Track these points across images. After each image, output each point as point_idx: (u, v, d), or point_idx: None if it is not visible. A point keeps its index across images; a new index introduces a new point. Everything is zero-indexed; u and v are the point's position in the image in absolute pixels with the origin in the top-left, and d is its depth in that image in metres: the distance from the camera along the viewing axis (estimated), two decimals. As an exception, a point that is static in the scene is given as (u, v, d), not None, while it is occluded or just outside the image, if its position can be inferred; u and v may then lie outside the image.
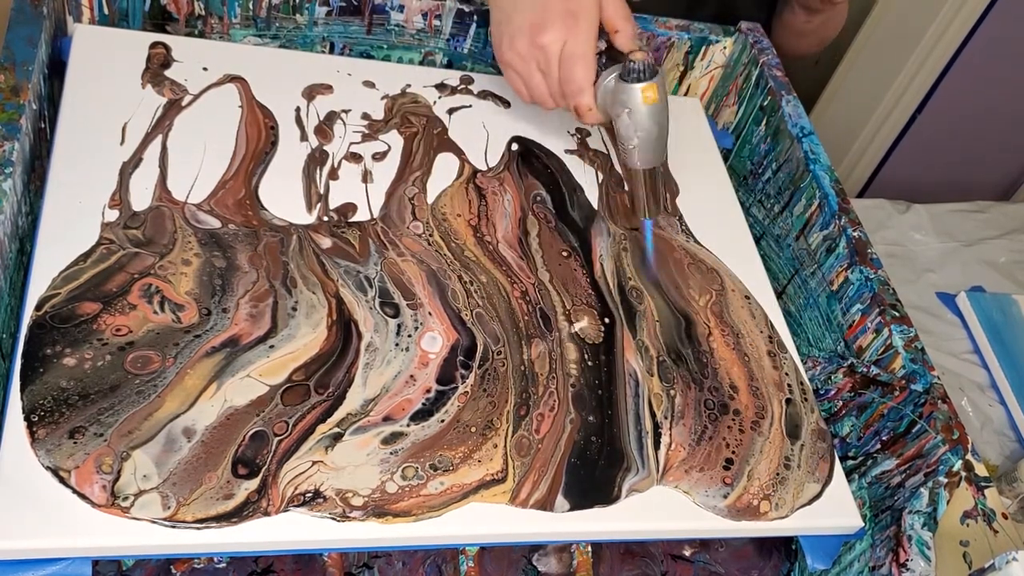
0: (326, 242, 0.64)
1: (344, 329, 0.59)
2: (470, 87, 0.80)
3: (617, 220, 0.74)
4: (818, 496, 0.61)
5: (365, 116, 0.74)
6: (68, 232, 0.58)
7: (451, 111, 0.78)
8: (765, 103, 0.84)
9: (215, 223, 0.62)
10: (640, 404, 0.62)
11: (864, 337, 0.69)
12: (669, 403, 0.62)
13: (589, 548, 0.62)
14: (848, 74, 1.55)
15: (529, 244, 0.69)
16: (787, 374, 0.68)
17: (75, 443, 0.49)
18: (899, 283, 0.83)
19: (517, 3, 0.67)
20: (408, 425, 0.56)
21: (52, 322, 0.53)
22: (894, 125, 1.56)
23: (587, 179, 0.77)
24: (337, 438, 0.54)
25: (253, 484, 0.50)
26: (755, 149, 0.85)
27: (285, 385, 0.55)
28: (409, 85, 0.78)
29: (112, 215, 0.60)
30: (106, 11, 0.73)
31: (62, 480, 0.47)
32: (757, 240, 0.79)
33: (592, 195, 0.75)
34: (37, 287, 0.54)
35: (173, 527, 0.48)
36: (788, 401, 0.66)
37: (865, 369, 0.67)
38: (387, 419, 0.55)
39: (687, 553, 0.66)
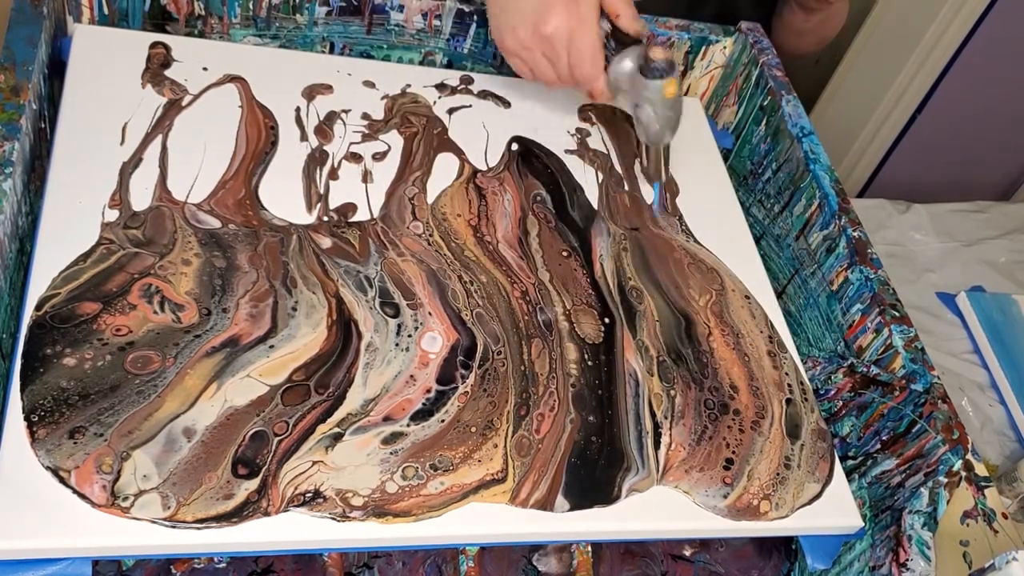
0: (326, 242, 0.64)
1: (344, 329, 0.59)
2: (470, 87, 0.80)
3: (617, 220, 0.74)
4: (818, 496, 0.61)
5: (365, 116, 0.74)
6: (68, 232, 0.58)
7: (451, 111, 0.78)
8: (765, 103, 0.84)
9: (215, 223, 0.62)
10: (640, 404, 0.62)
11: (864, 337, 0.69)
12: (669, 403, 0.62)
13: (589, 548, 0.62)
14: (848, 74, 1.55)
15: (529, 244, 0.69)
16: (787, 374, 0.68)
17: (75, 443, 0.49)
18: (899, 283, 0.83)
19: None
20: (408, 425, 0.56)
21: (52, 322, 0.53)
22: (894, 125, 1.56)
23: (587, 179, 0.77)
24: (337, 438, 0.54)
25: (253, 484, 0.50)
26: (755, 149, 0.85)
27: (285, 385, 0.55)
28: (409, 85, 0.78)
29: (112, 215, 0.60)
30: (106, 11, 0.73)
31: (62, 480, 0.47)
32: (757, 240, 0.79)
33: (592, 195, 0.75)
34: (37, 287, 0.54)
35: (173, 527, 0.48)
36: (788, 401, 0.66)
37: (865, 369, 0.67)
38: (387, 419, 0.55)
39: (687, 553, 0.66)
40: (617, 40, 0.70)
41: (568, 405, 0.60)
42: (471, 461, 0.55)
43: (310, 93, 0.74)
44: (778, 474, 0.61)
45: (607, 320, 0.66)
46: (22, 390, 0.50)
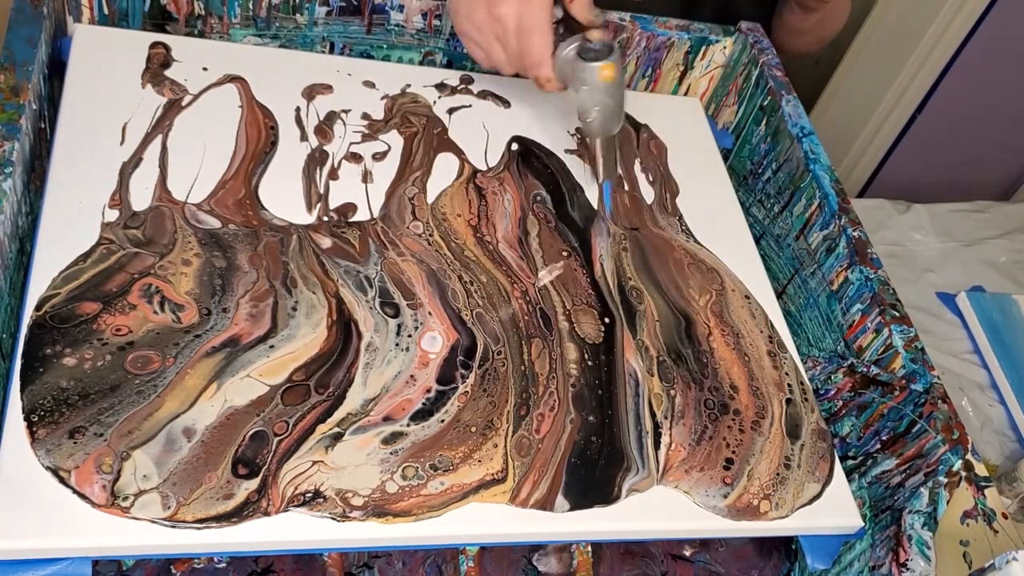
0: (326, 242, 0.64)
1: (344, 329, 0.59)
2: (470, 87, 0.80)
3: (617, 220, 0.74)
4: (818, 496, 0.61)
5: (365, 116, 0.74)
6: (68, 232, 0.58)
7: (451, 111, 0.78)
8: (765, 103, 0.84)
9: (215, 223, 0.62)
10: (640, 404, 0.62)
11: (864, 337, 0.69)
12: (669, 403, 0.62)
13: (589, 548, 0.62)
14: (848, 74, 1.55)
15: (529, 244, 0.69)
16: (787, 374, 0.68)
17: (75, 443, 0.49)
18: (899, 283, 0.83)
19: None
20: (408, 425, 0.56)
21: (52, 322, 0.53)
22: (894, 125, 1.56)
23: (587, 179, 0.77)
24: (337, 438, 0.54)
25: (253, 484, 0.50)
26: (755, 149, 0.85)
27: (285, 385, 0.55)
28: (409, 85, 0.78)
29: (112, 215, 0.60)
30: (106, 11, 0.73)
31: (62, 480, 0.47)
32: (757, 240, 0.79)
33: (592, 195, 0.75)
34: (37, 287, 0.54)
35: (173, 527, 0.48)
36: (788, 401, 0.66)
37: (865, 369, 0.67)
38: (387, 419, 0.55)
39: (687, 553, 0.66)
40: (568, 28, 0.69)
41: (568, 405, 0.60)
42: (471, 461, 0.55)
43: (310, 93, 0.74)
44: (778, 474, 0.61)
45: (607, 320, 0.66)
46: (22, 390, 0.50)
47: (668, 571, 0.65)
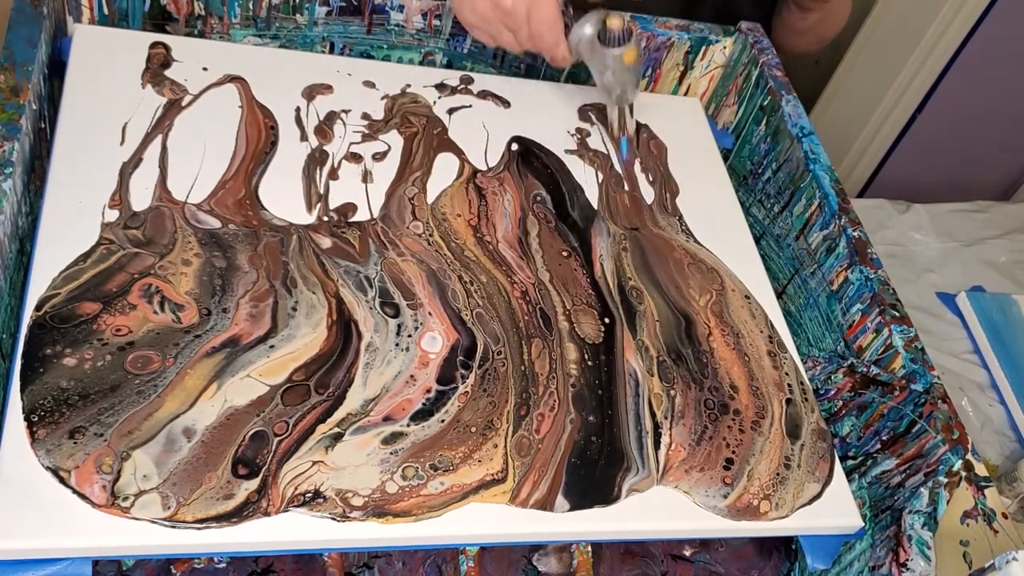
0: (326, 242, 0.64)
1: (344, 329, 0.59)
2: (470, 87, 0.80)
3: (617, 220, 0.74)
4: (818, 496, 0.61)
5: (365, 116, 0.74)
6: (68, 232, 0.58)
7: (451, 111, 0.78)
8: (765, 103, 0.84)
9: (215, 223, 0.62)
10: (640, 404, 0.62)
11: (864, 337, 0.69)
12: (669, 403, 0.62)
13: (589, 548, 0.62)
14: (848, 74, 1.55)
15: (529, 244, 0.69)
16: (787, 374, 0.68)
17: (75, 443, 0.49)
18: (899, 283, 0.83)
19: None
20: (408, 425, 0.56)
21: (52, 322, 0.53)
22: (894, 125, 1.56)
23: (587, 179, 0.77)
24: (337, 438, 0.54)
25: (253, 484, 0.50)
26: (755, 149, 0.85)
27: (285, 385, 0.55)
28: (409, 85, 0.78)
29: (112, 215, 0.60)
30: (106, 11, 0.73)
31: (62, 480, 0.47)
32: (757, 240, 0.79)
33: (592, 195, 0.75)
34: (37, 287, 0.54)
35: (173, 527, 0.48)
36: (788, 401, 0.66)
37: (865, 369, 0.67)
38: (387, 419, 0.55)
39: (687, 553, 0.66)
40: (575, 5, 0.72)
41: (568, 405, 0.60)
42: (471, 461, 0.55)
43: (310, 93, 0.74)
44: (778, 474, 0.61)
45: (607, 320, 0.66)
46: (22, 390, 0.50)
47: (668, 571, 0.65)
